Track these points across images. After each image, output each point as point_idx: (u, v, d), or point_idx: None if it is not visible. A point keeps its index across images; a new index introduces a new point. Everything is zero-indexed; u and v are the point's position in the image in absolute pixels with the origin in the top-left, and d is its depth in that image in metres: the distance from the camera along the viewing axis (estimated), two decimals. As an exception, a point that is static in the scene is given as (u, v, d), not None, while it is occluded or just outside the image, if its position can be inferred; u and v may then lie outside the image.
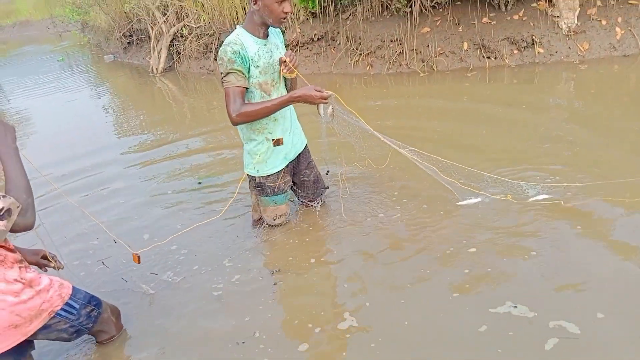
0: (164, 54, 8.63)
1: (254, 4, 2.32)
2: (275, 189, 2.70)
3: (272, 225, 2.84)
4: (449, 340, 1.90)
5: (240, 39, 2.34)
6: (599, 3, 5.26)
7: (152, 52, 8.86)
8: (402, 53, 5.95)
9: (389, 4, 6.07)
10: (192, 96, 6.95)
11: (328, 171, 3.36)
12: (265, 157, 2.61)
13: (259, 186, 2.71)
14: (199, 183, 3.68)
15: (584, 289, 2.04)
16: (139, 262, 2.30)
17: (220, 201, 3.31)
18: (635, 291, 1.99)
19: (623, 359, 1.72)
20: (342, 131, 2.56)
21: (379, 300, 2.17)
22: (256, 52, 2.38)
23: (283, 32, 2.69)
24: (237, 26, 2.45)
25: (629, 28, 5.08)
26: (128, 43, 10.86)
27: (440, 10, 5.92)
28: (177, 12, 8.63)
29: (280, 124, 2.58)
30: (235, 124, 2.37)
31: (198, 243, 2.84)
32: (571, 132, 3.56)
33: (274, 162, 2.64)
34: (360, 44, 6.31)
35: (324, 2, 6.47)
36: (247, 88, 2.37)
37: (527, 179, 2.86)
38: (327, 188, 3.08)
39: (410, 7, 5.85)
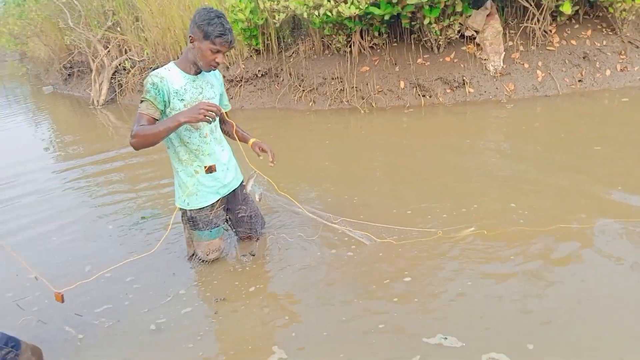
0: (105, 86, 8.49)
1: (191, 43, 2.38)
2: (208, 223, 2.68)
3: (204, 261, 2.80)
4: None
5: (164, 73, 2.40)
6: (521, 48, 5.69)
7: (93, 84, 8.69)
8: (343, 90, 6.15)
9: (330, 44, 6.30)
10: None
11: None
12: (195, 190, 2.60)
13: (191, 220, 2.68)
14: (142, 218, 3.60)
15: (512, 320, 2.14)
16: (63, 302, 2.21)
17: (155, 232, 3.26)
18: (566, 324, 2.10)
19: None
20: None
21: (314, 334, 2.18)
22: (182, 86, 2.43)
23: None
24: (171, 61, 2.50)
25: (549, 71, 5.51)
26: (68, 75, 10.63)
27: (378, 50, 6.20)
28: (119, 45, 8.56)
29: (211, 159, 2.59)
30: (132, 145, 2.34)
31: (131, 279, 2.77)
32: (500, 168, 3.78)
33: (205, 195, 2.63)
34: (303, 80, 6.48)
35: (267, 39, 6.63)
36: (155, 118, 2.37)
37: (454, 211, 3.02)
38: (264, 223, 3.10)
39: (350, 47, 6.10)
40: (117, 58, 8.52)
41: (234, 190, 2.80)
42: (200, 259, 2.79)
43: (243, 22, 6.17)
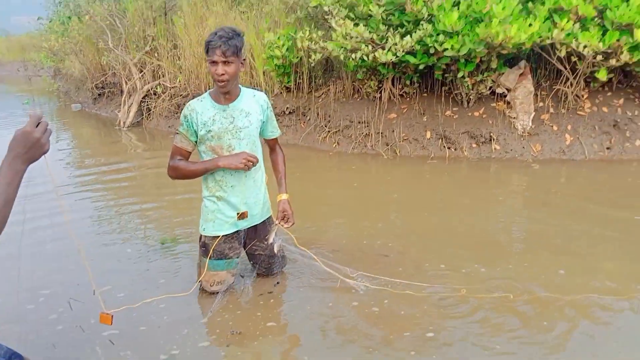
0: (134, 109, 8.64)
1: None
2: (219, 253, 2.59)
3: (206, 291, 2.67)
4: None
5: (195, 104, 2.44)
6: (551, 110, 5.69)
7: (122, 105, 8.86)
8: (368, 135, 6.16)
9: (361, 88, 6.38)
10: (157, 151, 6.89)
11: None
12: (213, 217, 2.56)
13: (203, 246, 2.62)
14: (162, 244, 3.51)
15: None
16: (111, 324, 2.06)
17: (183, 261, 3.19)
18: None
19: None
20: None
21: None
22: (211, 116, 2.43)
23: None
24: (208, 91, 2.54)
25: (577, 136, 5.48)
26: (99, 94, 10.86)
27: (408, 99, 6.25)
28: (154, 70, 8.77)
29: (239, 193, 2.54)
30: (170, 177, 2.53)
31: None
32: (524, 229, 3.68)
33: (222, 224, 2.57)
34: (329, 121, 6.52)
35: (299, 78, 6.74)
36: (189, 150, 2.50)
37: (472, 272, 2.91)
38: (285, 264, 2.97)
39: (380, 93, 6.16)
40: (149, 82, 8.71)
41: (255, 226, 2.71)
42: (202, 288, 2.68)
43: (278, 58, 6.29)
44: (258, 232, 2.72)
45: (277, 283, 2.84)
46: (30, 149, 1.42)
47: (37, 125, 1.45)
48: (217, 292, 2.66)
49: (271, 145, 2.79)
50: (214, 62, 2.31)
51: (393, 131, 6.05)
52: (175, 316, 2.54)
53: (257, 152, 2.60)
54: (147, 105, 8.73)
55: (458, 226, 3.73)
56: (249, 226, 2.67)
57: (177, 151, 2.48)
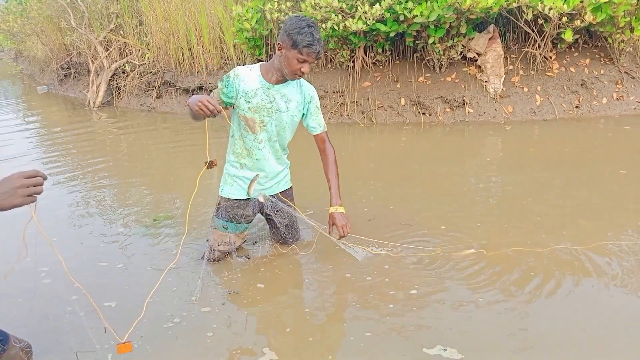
0: (103, 88, 8.45)
1: (279, 50, 2.38)
2: (230, 216, 2.66)
3: (212, 252, 2.69)
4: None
5: (243, 71, 2.45)
6: (521, 72, 5.80)
7: (90, 85, 8.65)
8: (344, 104, 6.19)
9: (333, 58, 6.36)
10: (129, 131, 6.79)
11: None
12: (232, 181, 2.64)
13: (218, 206, 2.69)
14: (154, 220, 3.49)
15: (510, 335, 2.14)
16: (131, 350, 1.88)
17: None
18: (562, 342, 2.11)
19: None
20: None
21: (306, 336, 2.16)
22: (254, 89, 2.44)
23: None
24: (259, 63, 2.53)
25: (547, 96, 5.62)
26: (65, 75, 10.56)
27: (381, 67, 6.28)
28: (120, 48, 8.55)
29: (258, 164, 2.60)
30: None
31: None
32: (497, 190, 3.82)
33: (238, 189, 2.64)
34: (303, 92, 6.51)
35: (271, 51, 6.68)
36: (223, 105, 2.47)
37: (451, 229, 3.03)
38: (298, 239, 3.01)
39: (353, 62, 6.17)
40: (117, 61, 8.50)
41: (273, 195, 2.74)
42: (209, 246, 2.70)
43: (248, 31, 6.22)
44: (280, 200, 2.76)
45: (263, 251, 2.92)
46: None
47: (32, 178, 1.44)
48: (219, 259, 2.74)
49: (319, 144, 2.70)
50: (305, 61, 2.32)
51: (368, 99, 6.09)
52: (175, 287, 2.59)
53: (286, 139, 2.64)
54: (117, 84, 8.55)
55: (435, 190, 3.84)
56: (264, 191, 2.70)
57: (213, 93, 2.51)
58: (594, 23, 4.98)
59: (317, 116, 2.64)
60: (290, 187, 2.88)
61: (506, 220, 3.21)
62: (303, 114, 2.63)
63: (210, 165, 2.41)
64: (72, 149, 5.90)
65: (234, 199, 2.66)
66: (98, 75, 8.62)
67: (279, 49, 2.37)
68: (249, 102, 2.45)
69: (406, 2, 5.06)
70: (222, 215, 2.68)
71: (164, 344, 2.17)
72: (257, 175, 2.64)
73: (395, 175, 4.26)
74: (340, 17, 5.32)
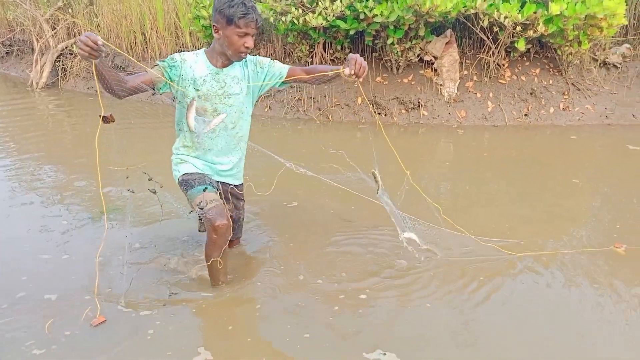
0: (47, 69, 8.00)
1: (215, 33, 2.26)
2: (200, 181, 2.45)
3: (207, 212, 2.41)
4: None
5: (191, 57, 2.31)
6: (475, 78, 5.93)
7: (34, 65, 8.17)
8: (301, 100, 6.13)
9: (292, 52, 6.28)
10: (74, 115, 6.46)
11: None
12: (186, 159, 2.48)
13: (183, 183, 2.46)
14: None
15: (447, 337, 2.16)
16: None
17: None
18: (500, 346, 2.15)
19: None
20: None
21: (244, 338, 2.11)
22: (202, 76, 2.32)
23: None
24: (202, 48, 2.40)
25: (498, 103, 5.77)
26: (6, 52, 9.96)
27: (339, 64, 6.24)
28: (68, 28, 8.13)
29: (212, 154, 2.47)
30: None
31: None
32: (449, 189, 3.87)
33: (195, 163, 2.49)
34: (260, 85, 6.39)
35: (228, 40, 6.51)
36: (148, 80, 2.26)
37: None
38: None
39: (312, 58, 6.11)
40: (64, 40, 8.07)
41: (228, 187, 2.60)
42: (202, 212, 2.42)
43: (205, 19, 6.03)
44: (230, 195, 2.62)
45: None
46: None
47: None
48: (215, 209, 2.42)
49: (297, 74, 2.44)
50: (246, 34, 2.20)
51: (325, 96, 6.05)
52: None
53: (246, 122, 2.52)
54: (63, 65, 8.12)
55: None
56: (219, 180, 2.56)
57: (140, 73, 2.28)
58: (546, 34, 5.15)
59: (275, 64, 2.47)
60: (242, 184, 2.75)
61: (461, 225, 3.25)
62: (263, 82, 2.45)
63: (106, 120, 2.18)
64: (9, 131, 5.54)
65: (194, 172, 2.48)
66: (43, 54, 8.16)
67: (215, 32, 2.26)
68: (198, 89, 2.32)
69: (367, 0, 5.05)
70: (192, 184, 2.45)
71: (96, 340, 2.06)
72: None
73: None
74: (300, 11, 5.24)
